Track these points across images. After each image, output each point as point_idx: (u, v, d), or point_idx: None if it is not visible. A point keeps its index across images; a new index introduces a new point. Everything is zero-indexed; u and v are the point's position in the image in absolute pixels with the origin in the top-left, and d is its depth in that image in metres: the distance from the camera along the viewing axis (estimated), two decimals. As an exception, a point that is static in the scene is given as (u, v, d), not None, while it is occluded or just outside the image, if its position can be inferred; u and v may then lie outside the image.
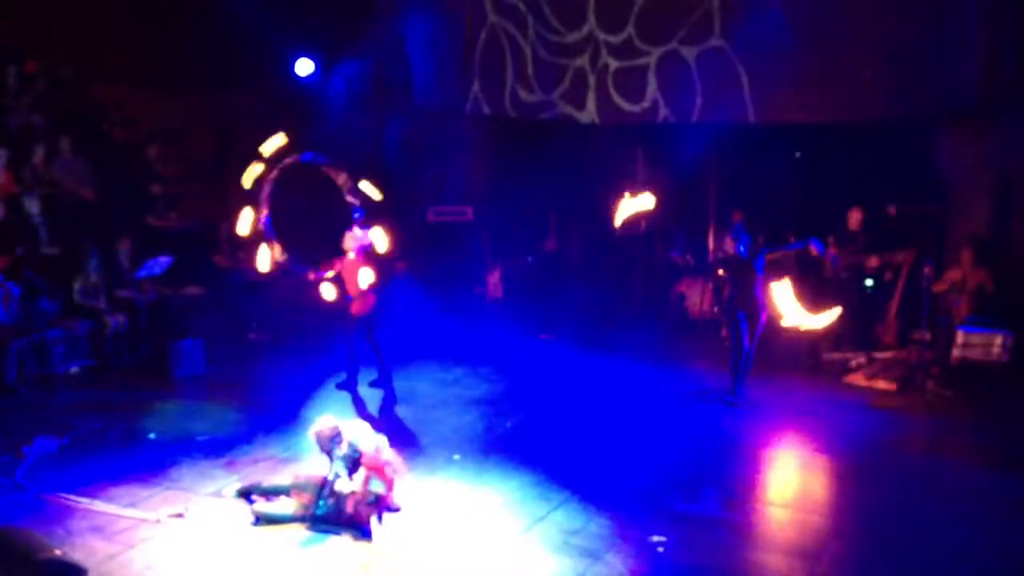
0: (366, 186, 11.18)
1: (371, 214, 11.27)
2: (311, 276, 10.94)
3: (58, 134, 13.48)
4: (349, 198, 11.28)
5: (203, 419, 10.21)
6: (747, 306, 10.88)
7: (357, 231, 11.01)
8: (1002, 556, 7.44)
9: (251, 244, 11.28)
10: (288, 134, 10.93)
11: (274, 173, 10.82)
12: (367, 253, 10.94)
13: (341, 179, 11.35)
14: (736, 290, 11.00)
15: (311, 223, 12.41)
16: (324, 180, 11.56)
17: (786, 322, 11.00)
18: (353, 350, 11.18)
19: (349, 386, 11.16)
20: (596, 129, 13.85)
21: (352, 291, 10.84)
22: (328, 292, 10.81)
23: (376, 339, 11.15)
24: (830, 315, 10.89)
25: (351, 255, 10.91)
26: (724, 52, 12.49)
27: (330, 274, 10.86)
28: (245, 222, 10.74)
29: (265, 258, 10.82)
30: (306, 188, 12.19)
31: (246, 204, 10.75)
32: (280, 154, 10.84)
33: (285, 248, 10.92)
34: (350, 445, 7.76)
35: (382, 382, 11.19)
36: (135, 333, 12.23)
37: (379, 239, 11.03)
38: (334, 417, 8.07)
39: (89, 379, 11.53)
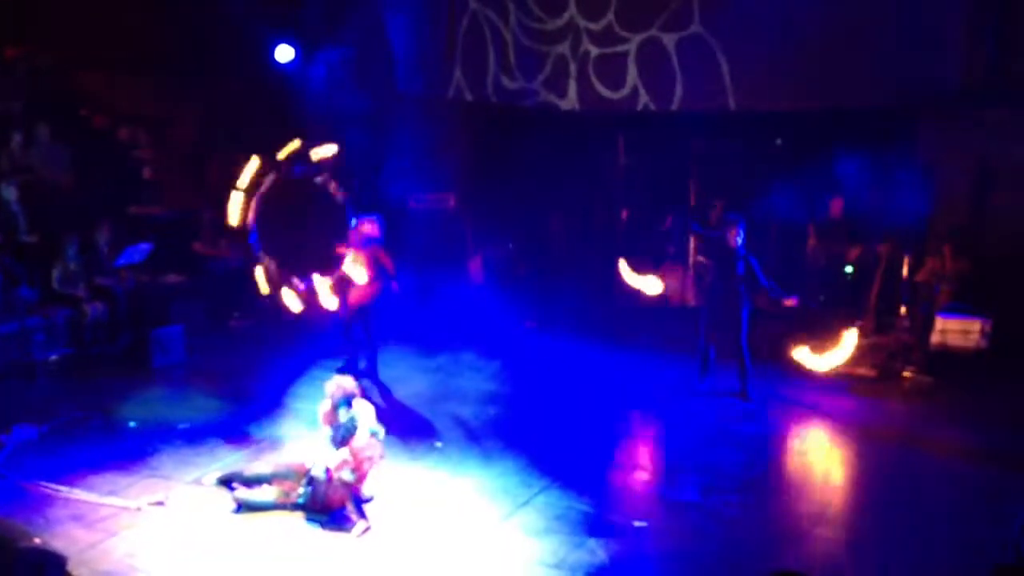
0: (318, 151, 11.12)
1: (361, 206, 11.27)
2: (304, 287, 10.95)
3: (36, 121, 13.38)
4: (335, 193, 11.25)
5: (183, 407, 10.18)
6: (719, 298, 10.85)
7: (364, 224, 10.96)
8: (977, 541, 7.50)
9: (272, 289, 11.32)
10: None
11: (256, 198, 10.87)
12: (372, 244, 10.91)
13: (321, 179, 11.36)
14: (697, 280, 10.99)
15: (305, 233, 12.42)
16: (306, 189, 11.58)
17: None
18: (352, 338, 11.20)
19: (348, 373, 11.15)
20: (578, 117, 13.83)
21: (356, 282, 10.83)
22: (328, 301, 10.83)
23: (372, 329, 11.17)
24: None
25: (354, 249, 10.84)
26: (704, 39, 12.47)
27: (345, 267, 10.81)
28: (234, 213, 10.76)
29: (291, 300, 10.95)
30: (292, 201, 12.23)
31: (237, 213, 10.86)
32: (259, 176, 10.95)
33: (280, 265, 10.94)
34: (352, 419, 7.77)
35: (369, 372, 11.17)
36: (114, 321, 12.14)
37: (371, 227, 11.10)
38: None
39: (68, 367, 11.46)
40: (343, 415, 7.79)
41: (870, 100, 11.94)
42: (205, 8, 13.67)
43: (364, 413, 7.86)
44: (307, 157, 11.44)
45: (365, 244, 10.90)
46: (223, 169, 14.71)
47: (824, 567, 7.17)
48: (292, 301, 10.98)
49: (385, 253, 11.00)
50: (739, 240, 10.58)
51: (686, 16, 12.52)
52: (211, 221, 13.82)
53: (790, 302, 10.68)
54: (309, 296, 10.94)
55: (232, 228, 10.89)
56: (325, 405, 7.89)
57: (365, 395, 9.61)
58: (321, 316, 11.61)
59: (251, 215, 11.14)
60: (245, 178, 11.18)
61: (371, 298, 11.05)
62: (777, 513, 8.13)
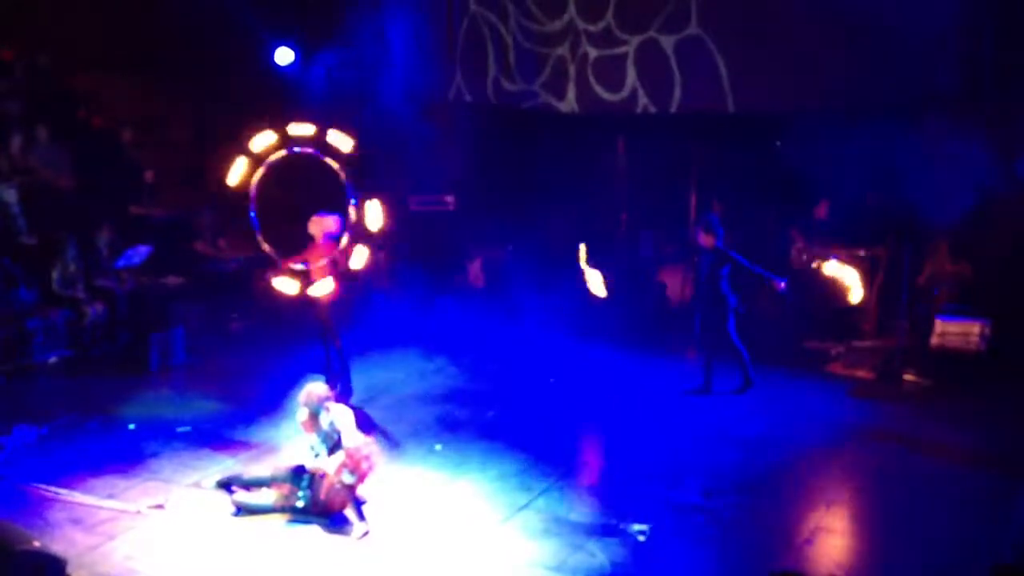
0: (334, 136, 10.38)
1: (365, 193, 10.81)
2: (281, 265, 10.29)
3: (35, 122, 13.36)
4: (341, 176, 10.80)
5: (183, 409, 10.16)
6: (705, 299, 10.80)
7: (326, 219, 10.49)
8: (976, 542, 7.51)
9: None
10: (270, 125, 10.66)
11: (264, 168, 10.47)
12: (336, 241, 10.57)
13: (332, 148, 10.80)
14: (697, 284, 10.91)
15: (301, 214, 12.18)
16: (315, 170, 11.21)
17: None
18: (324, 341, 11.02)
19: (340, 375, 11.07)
20: (577, 119, 13.84)
21: (314, 277, 10.29)
22: (287, 286, 10.23)
23: (331, 330, 10.73)
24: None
25: (319, 241, 10.40)
26: (702, 41, 12.49)
27: (299, 267, 10.26)
28: (236, 173, 10.28)
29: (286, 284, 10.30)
30: (299, 179, 11.97)
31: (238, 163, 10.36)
32: (270, 150, 10.46)
33: (265, 238, 10.57)
34: (331, 424, 7.76)
35: (322, 369, 10.92)
36: (114, 323, 12.13)
37: (374, 215, 10.35)
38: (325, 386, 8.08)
39: (68, 369, 11.45)
40: (324, 421, 7.78)
41: (868, 100, 11.94)
42: (205, 9, 13.67)
43: (341, 415, 7.85)
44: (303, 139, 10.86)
45: (326, 240, 10.41)
46: (222, 170, 14.73)
47: (824, 568, 7.17)
48: (286, 285, 10.26)
49: (342, 252, 10.37)
50: (710, 240, 10.58)
51: (684, 18, 12.54)
52: (210, 222, 13.82)
53: (780, 285, 10.72)
54: (306, 277, 10.31)
55: (234, 222, 10.44)
56: (302, 414, 7.86)
57: (340, 399, 9.54)
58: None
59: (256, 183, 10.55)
60: (257, 144, 10.42)
61: (328, 300, 10.45)
62: (778, 515, 8.12)
